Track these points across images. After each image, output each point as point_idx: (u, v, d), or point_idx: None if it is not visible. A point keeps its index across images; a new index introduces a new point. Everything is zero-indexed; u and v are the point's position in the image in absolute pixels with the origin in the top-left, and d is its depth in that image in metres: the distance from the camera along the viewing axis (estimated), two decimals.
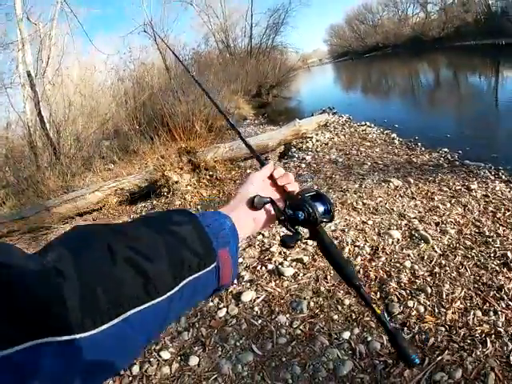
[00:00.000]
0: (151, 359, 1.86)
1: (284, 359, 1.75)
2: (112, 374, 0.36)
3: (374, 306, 0.49)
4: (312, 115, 7.59)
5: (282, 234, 2.90)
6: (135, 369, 1.82)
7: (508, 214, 2.76)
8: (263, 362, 1.75)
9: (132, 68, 9.58)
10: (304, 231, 0.59)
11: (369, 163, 4.35)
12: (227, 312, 2.10)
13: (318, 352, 1.75)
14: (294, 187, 0.62)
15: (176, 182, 4.47)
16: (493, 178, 3.57)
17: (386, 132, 5.93)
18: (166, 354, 1.88)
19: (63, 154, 6.27)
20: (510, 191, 3.18)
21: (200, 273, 0.42)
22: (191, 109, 6.59)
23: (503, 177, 3.58)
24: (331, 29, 53.39)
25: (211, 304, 2.18)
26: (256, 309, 2.10)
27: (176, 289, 0.39)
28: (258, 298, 2.17)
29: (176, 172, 4.57)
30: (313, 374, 1.66)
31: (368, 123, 6.62)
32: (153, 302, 0.36)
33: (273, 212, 0.58)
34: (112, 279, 0.34)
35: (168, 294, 0.37)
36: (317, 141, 5.73)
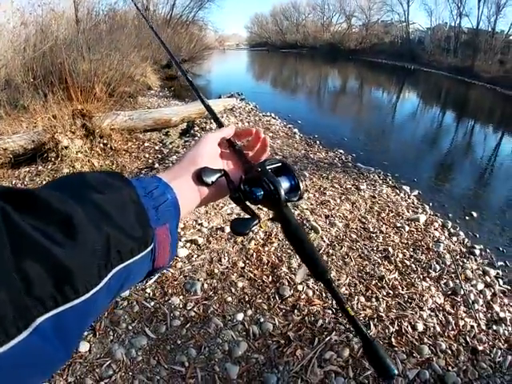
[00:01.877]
0: None
1: (179, 342, 1.73)
2: None
3: (347, 306, 0.41)
4: (220, 97, 7.61)
5: (233, 215, 2.83)
6: None
7: (391, 214, 3.20)
8: (158, 346, 1.71)
9: (39, 13, 8.12)
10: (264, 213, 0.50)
11: (269, 152, 4.51)
12: None
13: (212, 334, 1.78)
14: (262, 156, 0.54)
15: (66, 148, 3.97)
16: (381, 181, 4.10)
17: (288, 126, 6.25)
18: None
19: None
20: (394, 195, 3.71)
21: (133, 259, 0.32)
22: (94, 68, 5.95)
23: (390, 182, 4.16)
24: (255, 17, 53.85)
25: None
26: (148, 290, 2.02)
27: (101, 284, 0.28)
28: (151, 278, 2.09)
29: (67, 136, 4.05)
30: (209, 356, 1.68)
31: (273, 115, 6.90)
32: (70, 304, 0.26)
33: (225, 185, 0.47)
34: (13, 278, 0.23)
35: (90, 292, 0.27)
36: None
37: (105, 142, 4.39)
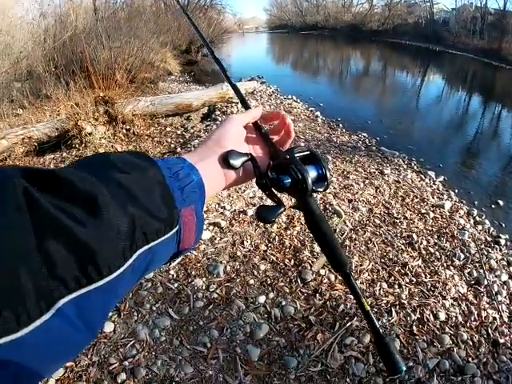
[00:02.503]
0: None
1: (201, 323, 1.76)
2: (41, 378, 0.25)
3: (363, 300, 0.42)
4: (240, 81, 7.49)
5: (256, 199, 2.84)
6: None
7: (416, 200, 3.12)
8: (181, 327, 1.74)
9: (57, 3, 8.24)
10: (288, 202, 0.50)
11: (294, 138, 4.46)
12: None
13: (234, 316, 1.80)
14: (287, 141, 0.52)
15: (89, 134, 4.05)
16: (405, 166, 3.99)
17: (310, 109, 6.12)
18: None
19: None
20: (419, 181, 3.60)
21: (158, 241, 0.32)
22: (114, 56, 6.00)
23: (415, 167, 4.03)
24: None
25: None
26: (172, 272, 2.05)
27: (126, 265, 0.28)
28: (175, 261, 2.12)
29: (90, 123, 4.13)
30: (230, 338, 1.70)
31: (294, 98, 6.76)
32: (94, 285, 0.25)
33: (251, 169, 0.46)
34: (36, 259, 0.23)
35: (115, 274, 0.27)
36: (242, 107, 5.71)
37: (127, 127, 4.45)
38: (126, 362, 1.57)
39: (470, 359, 1.73)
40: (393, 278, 2.15)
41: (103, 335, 1.69)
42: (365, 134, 4.96)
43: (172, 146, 4.27)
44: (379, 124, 5.85)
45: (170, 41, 10.56)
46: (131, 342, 1.66)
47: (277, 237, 2.39)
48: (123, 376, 1.52)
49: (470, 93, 10.36)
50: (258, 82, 7.70)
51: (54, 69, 6.17)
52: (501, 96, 10.30)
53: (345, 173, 3.52)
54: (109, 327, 1.72)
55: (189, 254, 2.16)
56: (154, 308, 1.83)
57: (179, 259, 2.11)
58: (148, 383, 1.50)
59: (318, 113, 5.89)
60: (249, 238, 2.37)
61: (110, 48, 6.23)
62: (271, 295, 1.93)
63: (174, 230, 0.34)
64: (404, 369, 0.39)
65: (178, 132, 4.70)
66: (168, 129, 4.80)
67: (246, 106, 0.55)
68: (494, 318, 2.00)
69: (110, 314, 1.78)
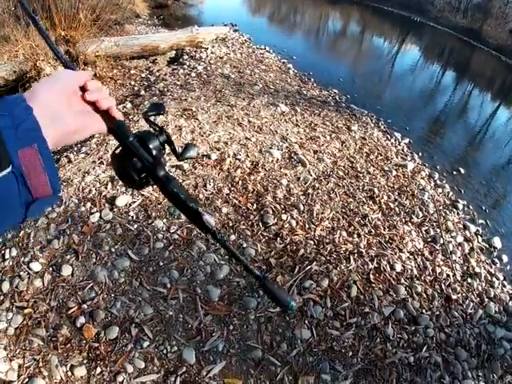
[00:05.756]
0: (21, 273, 1.63)
1: (162, 264, 1.74)
2: None
3: (237, 254, 0.44)
4: (212, 26, 7.07)
5: (221, 144, 2.73)
6: (5, 286, 1.57)
7: (380, 157, 3.19)
8: (140, 268, 1.72)
9: None
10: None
11: (260, 85, 4.35)
12: (100, 217, 1.94)
13: (195, 257, 1.80)
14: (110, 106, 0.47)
15: (48, 75, 3.74)
16: (372, 125, 4.04)
17: (283, 61, 5.99)
18: (36, 266, 1.66)
19: None
20: (385, 140, 3.67)
21: None
22: None
23: (382, 127, 4.10)
24: None
25: (83, 209, 1.97)
26: (132, 213, 1.99)
27: None
28: (134, 202, 2.06)
29: (50, 63, 3.87)
30: (191, 278, 1.71)
31: (267, 48, 6.55)
32: None
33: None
34: None
35: None
36: (212, 53, 5.43)
37: (89, 69, 4.19)
38: (85, 306, 1.54)
39: (423, 311, 1.86)
40: (352, 227, 2.22)
41: (61, 279, 1.63)
42: (335, 91, 4.94)
43: (135, 88, 4.03)
44: (351, 83, 5.81)
45: None
46: (90, 285, 1.62)
47: (240, 181, 2.37)
48: (82, 319, 1.49)
49: (445, 67, 10.50)
50: (231, 30, 7.31)
51: (14, 8, 5.59)
52: (474, 74, 10.56)
53: (312, 125, 3.51)
54: (66, 270, 1.66)
55: (149, 195, 2.08)
56: (113, 250, 1.78)
57: (138, 201, 2.03)
58: (107, 325, 1.48)
59: (290, 65, 5.76)
60: (212, 181, 2.32)
61: None
62: (232, 237, 1.94)
63: (6, 171, 0.31)
64: (293, 304, 0.41)
65: (143, 75, 4.43)
66: (132, 71, 4.51)
67: (67, 66, 0.52)
68: (448, 276, 2.14)
69: (68, 256, 1.71)
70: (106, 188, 2.11)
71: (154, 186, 0.45)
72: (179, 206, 0.46)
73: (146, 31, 7.19)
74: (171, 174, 0.45)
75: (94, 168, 2.24)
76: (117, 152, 0.46)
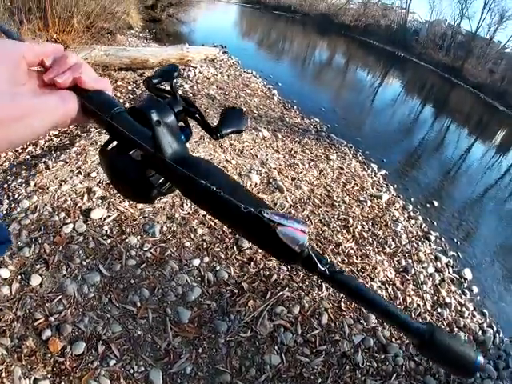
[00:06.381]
0: None
1: (133, 281, 1.72)
2: None
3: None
4: (202, 46, 7.21)
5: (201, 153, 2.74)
6: None
7: (356, 188, 3.29)
8: (111, 284, 1.69)
9: None
10: None
11: (244, 109, 4.44)
12: (74, 228, 1.90)
13: (167, 276, 1.78)
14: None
15: None
16: (351, 155, 4.19)
17: (268, 86, 6.15)
18: (5, 272, 1.61)
19: None
20: (362, 171, 3.80)
21: None
22: None
23: (360, 158, 4.26)
24: None
25: (56, 218, 1.93)
26: (106, 228, 1.97)
27: None
28: (109, 216, 2.04)
29: None
30: (161, 298, 1.69)
31: (254, 73, 6.73)
32: None
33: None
34: None
35: None
36: (200, 72, 5.53)
37: None
38: (52, 318, 1.49)
39: (393, 339, 1.89)
40: (326, 255, 2.26)
41: (29, 288, 1.58)
42: (317, 120, 5.12)
43: (121, 100, 4.01)
44: (333, 113, 6.03)
45: None
46: (58, 297, 1.57)
47: None
48: (48, 332, 1.44)
49: (424, 102, 11.03)
50: (221, 51, 7.47)
51: (10, 3, 5.50)
52: (452, 110, 11.14)
53: (292, 152, 3.61)
54: (36, 280, 1.61)
55: (125, 210, 2.07)
56: (84, 263, 1.74)
57: (114, 216, 2.01)
58: (74, 340, 1.44)
59: (275, 91, 5.92)
60: (189, 201, 2.31)
61: None
62: (206, 259, 1.94)
63: None
64: (480, 360, 0.27)
65: (129, 87, 4.43)
66: (119, 83, 4.50)
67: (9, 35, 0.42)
68: (418, 305, 2.20)
69: (38, 266, 1.67)
70: (82, 199, 2.08)
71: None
72: (226, 214, 0.29)
73: (136, 44, 7.25)
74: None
75: (71, 177, 2.21)
76: (108, 148, 0.32)
